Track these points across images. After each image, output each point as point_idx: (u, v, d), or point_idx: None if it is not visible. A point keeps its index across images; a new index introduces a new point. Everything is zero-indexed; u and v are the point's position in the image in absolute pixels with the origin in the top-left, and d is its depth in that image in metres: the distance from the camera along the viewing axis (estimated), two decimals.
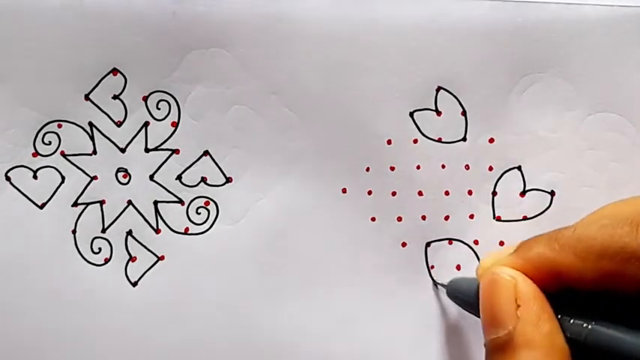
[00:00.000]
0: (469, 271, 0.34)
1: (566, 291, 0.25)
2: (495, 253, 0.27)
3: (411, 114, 0.34)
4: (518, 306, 0.24)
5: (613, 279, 0.23)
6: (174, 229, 0.34)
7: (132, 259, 0.33)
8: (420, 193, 0.34)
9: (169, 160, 0.33)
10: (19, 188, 0.33)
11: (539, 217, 0.34)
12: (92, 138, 0.33)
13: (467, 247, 0.34)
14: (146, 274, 0.33)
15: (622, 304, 0.23)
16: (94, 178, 0.33)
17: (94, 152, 0.33)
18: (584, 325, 0.24)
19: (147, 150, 0.33)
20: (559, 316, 0.24)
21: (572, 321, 0.24)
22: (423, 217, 0.34)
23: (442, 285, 0.33)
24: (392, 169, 0.34)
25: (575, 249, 0.24)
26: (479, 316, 0.27)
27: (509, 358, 0.24)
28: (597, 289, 0.24)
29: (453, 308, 0.34)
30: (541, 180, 0.34)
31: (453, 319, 0.34)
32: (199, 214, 0.34)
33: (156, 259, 0.33)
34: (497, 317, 0.25)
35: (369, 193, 0.34)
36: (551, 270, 0.25)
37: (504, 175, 0.34)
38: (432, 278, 0.33)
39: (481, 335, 0.34)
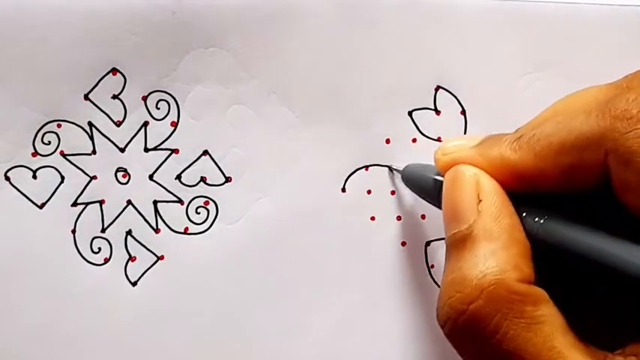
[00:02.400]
0: None
1: (527, 191, 0.25)
2: (457, 143, 0.27)
3: (410, 113, 0.34)
4: (480, 201, 0.24)
5: (572, 173, 0.23)
6: (173, 228, 0.34)
7: (131, 258, 0.33)
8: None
9: (169, 159, 0.33)
10: (19, 188, 0.33)
11: None
12: (91, 138, 0.33)
13: None
14: (146, 274, 0.33)
15: (581, 201, 0.24)
16: (94, 177, 0.33)
17: (94, 152, 0.33)
18: (537, 219, 0.24)
19: (146, 150, 0.33)
20: (524, 215, 0.24)
21: (524, 214, 0.24)
22: (423, 217, 0.34)
23: (397, 170, 0.33)
24: (391, 168, 0.34)
25: (534, 149, 0.24)
26: (433, 204, 0.28)
27: (469, 250, 0.24)
28: (559, 188, 0.24)
29: None
30: None
31: None
32: (199, 213, 0.34)
33: (155, 258, 0.33)
34: (459, 212, 0.25)
35: (369, 192, 0.34)
36: (513, 170, 0.25)
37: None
38: (389, 166, 0.34)
39: None
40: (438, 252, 0.34)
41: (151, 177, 0.33)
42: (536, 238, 0.24)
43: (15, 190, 0.33)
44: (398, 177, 0.33)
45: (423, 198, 0.30)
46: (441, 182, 0.27)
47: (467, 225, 0.24)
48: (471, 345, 0.23)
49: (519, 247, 0.24)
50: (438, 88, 0.34)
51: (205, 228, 0.34)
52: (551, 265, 0.24)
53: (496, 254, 0.23)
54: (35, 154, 0.33)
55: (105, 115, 0.33)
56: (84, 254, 0.33)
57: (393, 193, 0.34)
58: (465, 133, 0.34)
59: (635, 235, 0.22)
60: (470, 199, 0.25)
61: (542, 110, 0.27)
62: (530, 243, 0.24)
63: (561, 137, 0.23)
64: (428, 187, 0.29)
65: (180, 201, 0.34)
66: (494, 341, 0.22)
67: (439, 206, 0.27)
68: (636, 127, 0.22)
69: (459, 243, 0.24)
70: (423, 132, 0.34)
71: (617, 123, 0.22)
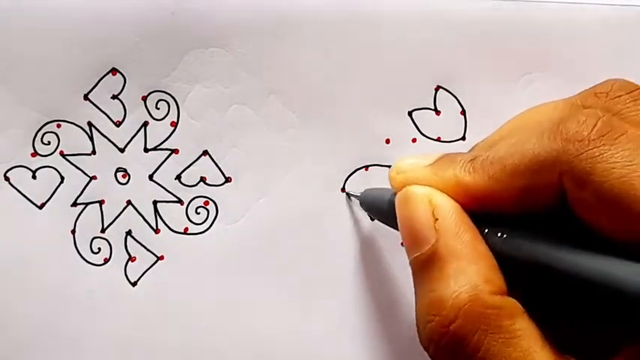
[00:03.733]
0: None
1: (484, 211, 0.25)
2: (411, 162, 0.27)
3: (410, 113, 0.34)
4: (436, 220, 0.24)
5: (528, 194, 0.23)
6: (173, 228, 0.34)
7: (131, 259, 0.33)
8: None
9: (168, 159, 0.33)
10: (18, 188, 0.33)
11: None
12: (91, 138, 0.33)
13: None
14: (146, 274, 0.33)
15: (538, 219, 0.24)
16: (93, 178, 0.33)
17: (93, 152, 0.33)
18: (499, 234, 0.24)
19: (146, 150, 0.33)
20: (485, 231, 0.24)
21: (486, 231, 0.24)
22: None
23: (355, 196, 0.33)
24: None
25: (488, 172, 0.24)
26: (392, 227, 0.27)
27: (437, 271, 0.24)
28: (515, 209, 0.24)
29: None
30: None
31: None
32: (199, 213, 0.34)
33: (155, 258, 0.33)
34: (418, 233, 0.25)
35: None
36: (468, 192, 0.24)
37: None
38: (345, 191, 0.33)
39: None
40: None
41: (150, 177, 0.33)
42: (500, 254, 0.24)
43: (15, 190, 0.33)
44: (355, 203, 0.33)
45: (382, 222, 0.30)
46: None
47: (428, 246, 0.24)
48: None
49: (486, 260, 0.23)
50: (438, 88, 0.34)
51: (205, 228, 0.34)
52: (519, 280, 0.24)
53: (465, 270, 0.23)
54: (35, 154, 0.33)
55: (105, 115, 0.33)
56: (84, 254, 0.33)
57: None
58: (464, 133, 0.34)
59: (596, 246, 0.22)
60: (426, 219, 0.24)
61: (499, 127, 0.27)
62: (495, 258, 0.24)
63: (514, 160, 0.23)
64: (384, 209, 0.28)
65: (180, 201, 0.34)
66: (477, 359, 0.22)
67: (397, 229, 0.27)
68: (587, 148, 0.22)
69: (424, 265, 0.24)
70: (423, 132, 0.34)
71: (569, 145, 0.22)
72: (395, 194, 0.27)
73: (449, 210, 0.24)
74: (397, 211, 0.26)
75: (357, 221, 0.34)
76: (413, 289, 0.34)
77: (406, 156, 0.27)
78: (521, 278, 0.24)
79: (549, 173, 0.22)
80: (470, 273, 0.23)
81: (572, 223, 0.23)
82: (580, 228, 0.22)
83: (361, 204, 0.32)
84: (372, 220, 0.34)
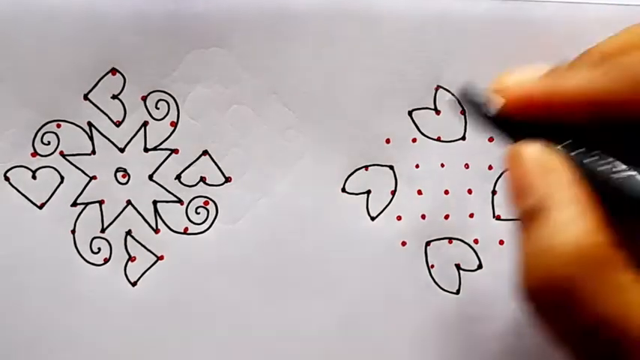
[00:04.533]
0: (469, 270, 0.34)
1: (606, 126, 0.23)
2: (520, 76, 0.25)
3: (410, 113, 0.34)
4: (548, 173, 0.24)
5: None
6: (173, 228, 0.34)
7: (131, 259, 0.33)
8: (420, 192, 0.34)
9: (168, 159, 0.33)
10: (18, 188, 0.33)
11: None
12: (91, 138, 0.33)
13: (467, 246, 0.34)
14: (145, 274, 0.33)
15: None
16: (93, 177, 0.33)
17: (93, 152, 0.33)
18: (610, 168, 0.23)
19: (146, 150, 0.33)
20: (584, 162, 0.24)
21: (597, 167, 0.23)
22: (423, 216, 0.34)
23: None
24: (391, 168, 0.34)
25: (625, 78, 0.22)
26: (487, 128, 0.26)
27: (548, 219, 0.23)
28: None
29: (453, 308, 0.34)
30: None
31: (453, 319, 0.34)
32: (198, 213, 0.34)
33: (155, 258, 0.33)
34: (527, 186, 0.24)
35: (368, 192, 0.34)
36: (592, 104, 0.23)
37: (504, 174, 0.34)
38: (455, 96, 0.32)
39: (480, 336, 0.34)
40: (439, 252, 0.34)
41: (150, 177, 0.33)
42: (620, 192, 0.23)
43: (14, 190, 0.33)
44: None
45: (480, 120, 0.27)
46: (502, 119, 0.25)
47: (538, 197, 0.24)
48: (562, 317, 0.23)
49: (595, 211, 0.23)
50: (438, 87, 0.34)
51: (205, 228, 0.34)
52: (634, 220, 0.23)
53: (575, 221, 0.23)
54: (35, 154, 0.33)
55: (104, 115, 0.33)
56: (84, 254, 0.33)
57: (392, 193, 0.34)
58: (464, 133, 0.34)
59: None
60: (538, 173, 0.24)
61: (617, 34, 0.25)
62: (605, 196, 0.23)
63: None
64: (486, 118, 0.26)
65: (180, 201, 0.34)
66: (587, 309, 0.22)
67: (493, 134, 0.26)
68: None
69: (533, 216, 0.24)
70: (423, 132, 0.34)
71: None
72: (496, 109, 0.25)
73: (559, 164, 0.24)
74: (507, 165, 0.25)
75: (357, 221, 0.34)
76: (413, 289, 0.34)
77: (508, 72, 0.26)
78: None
79: None
80: (579, 224, 0.23)
81: None
82: None
83: (462, 97, 0.28)
84: (373, 218, 0.34)
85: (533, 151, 0.25)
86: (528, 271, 0.23)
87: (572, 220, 0.23)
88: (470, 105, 0.27)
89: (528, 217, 0.24)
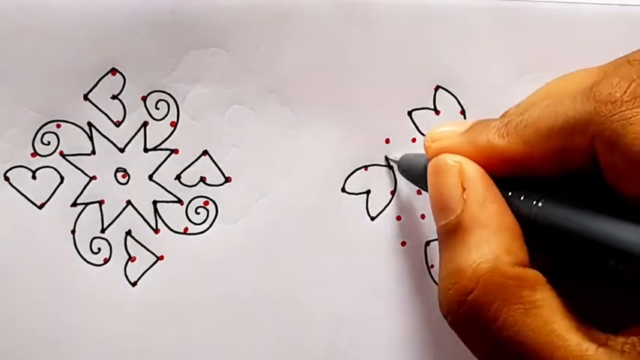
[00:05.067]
0: None
1: (518, 176, 0.25)
2: (445, 129, 0.27)
3: (410, 113, 0.34)
4: (464, 190, 0.24)
5: (561, 157, 0.23)
6: (173, 228, 0.34)
7: (131, 259, 0.33)
8: (420, 193, 0.34)
9: (168, 159, 0.33)
10: (18, 188, 0.33)
11: None
12: (91, 138, 0.33)
13: None
14: (145, 274, 0.33)
15: (571, 184, 0.24)
16: (93, 178, 0.33)
17: (93, 152, 0.33)
18: (534, 202, 0.24)
19: (146, 150, 0.33)
20: (509, 194, 0.24)
21: (522, 198, 0.24)
22: (422, 217, 0.34)
23: (394, 161, 0.33)
24: (391, 168, 0.34)
25: (522, 135, 0.24)
26: (427, 191, 0.27)
27: (460, 240, 0.24)
28: (548, 172, 0.24)
29: None
30: None
31: None
32: (198, 213, 0.34)
33: (155, 259, 0.33)
34: (445, 202, 0.25)
35: (368, 192, 0.34)
36: (502, 157, 0.25)
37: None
38: (386, 157, 0.34)
39: None
40: (438, 252, 0.34)
41: (150, 177, 0.33)
42: (534, 222, 0.24)
43: (14, 190, 0.33)
44: (394, 169, 0.33)
45: (420, 187, 0.30)
46: None
47: (454, 215, 0.24)
48: (474, 333, 0.23)
49: (510, 231, 0.24)
50: (437, 88, 0.34)
51: (205, 228, 0.34)
52: (547, 249, 0.24)
53: (488, 241, 0.23)
54: (35, 154, 0.33)
55: (104, 116, 0.33)
56: (84, 254, 0.33)
57: (392, 192, 0.34)
58: None
59: (628, 212, 0.22)
60: (454, 189, 0.25)
61: (531, 93, 0.27)
62: (527, 227, 0.24)
63: (548, 122, 0.23)
64: (420, 175, 0.29)
65: (180, 201, 0.34)
66: (494, 328, 0.22)
67: None
68: (620, 109, 0.22)
69: (449, 234, 0.24)
70: (423, 132, 0.34)
71: (602, 107, 0.22)
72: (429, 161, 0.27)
73: (477, 180, 0.24)
74: (428, 179, 0.26)
75: (357, 221, 0.34)
76: (413, 289, 0.34)
77: (440, 123, 0.27)
78: (549, 246, 0.24)
79: (582, 135, 0.22)
80: (492, 244, 0.23)
81: (603, 189, 0.23)
82: (611, 194, 0.22)
83: (399, 168, 0.32)
84: (373, 218, 0.34)
85: (452, 166, 0.25)
86: (443, 291, 0.24)
87: (485, 240, 0.23)
88: (406, 172, 0.31)
89: (446, 234, 0.24)
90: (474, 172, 0.25)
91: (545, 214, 0.24)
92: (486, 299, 0.22)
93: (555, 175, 0.24)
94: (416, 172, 0.30)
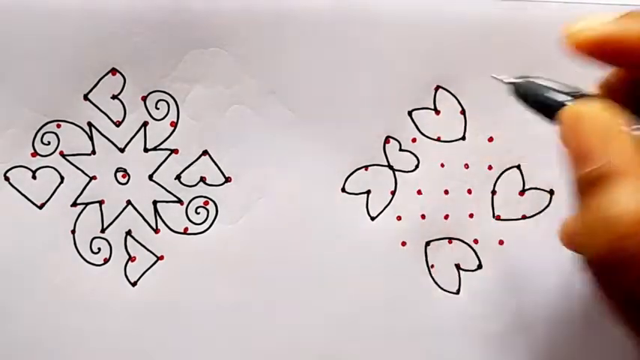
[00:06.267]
0: (469, 270, 0.34)
1: None
2: (592, 19, 0.25)
3: (410, 113, 0.34)
4: (612, 137, 0.23)
5: None
6: (173, 228, 0.34)
7: (131, 259, 0.33)
8: (420, 192, 0.34)
9: (168, 159, 0.33)
10: (18, 188, 0.33)
11: (538, 215, 0.34)
12: (91, 138, 0.33)
13: (466, 245, 0.34)
14: (145, 274, 0.33)
15: None
16: (93, 178, 0.33)
17: (93, 152, 0.33)
18: None
19: (146, 150, 0.33)
20: None
21: None
22: (423, 216, 0.34)
23: (508, 82, 0.29)
24: (391, 168, 0.34)
25: None
26: (549, 121, 0.26)
27: (611, 188, 0.23)
28: None
29: (453, 308, 0.34)
30: (540, 179, 0.34)
31: (453, 319, 0.34)
32: (198, 213, 0.34)
33: (155, 258, 0.33)
34: (590, 149, 0.24)
35: (368, 192, 0.34)
36: None
37: (504, 174, 0.34)
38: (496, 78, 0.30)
39: (481, 336, 0.34)
40: (438, 252, 0.34)
41: (150, 177, 0.33)
42: None
43: (14, 190, 0.33)
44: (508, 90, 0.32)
45: (538, 114, 0.28)
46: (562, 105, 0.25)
47: (601, 162, 0.23)
48: (623, 284, 0.22)
49: None
50: (437, 87, 0.34)
51: (205, 228, 0.34)
52: None
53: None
54: (35, 154, 0.33)
55: (104, 116, 0.33)
56: (83, 254, 0.33)
57: (392, 192, 0.34)
58: (464, 132, 0.34)
59: None
60: (602, 136, 0.24)
61: None
62: None
63: None
64: (550, 105, 0.26)
65: (180, 201, 0.34)
66: None
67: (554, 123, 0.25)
68: None
69: (596, 181, 0.23)
70: (423, 132, 0.34)
71: None
72: (560, 89, 0.26)
73: (623, 132, 0.23)
74: (564, 127, 0.25)
75: (357, 221, 0.34)
76: (413, 289, 0.34)
77: (582, 17, 0.26)
78: None
79: None
80: None
81: None
82: None
83: (516, 92, 0.28)
84: (373, 218, 0.34)
85: (594, 113, 0.24)
86: (590, 239, 0.23)
87: (635, 191, 0.22)
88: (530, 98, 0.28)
89: (588, 183, 0.23)
90: (616, 118, 0.24)
91: None
92: None
93: None
94: (547, 102, 0.27)
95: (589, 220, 0.23)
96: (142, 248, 0.33)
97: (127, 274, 0.33)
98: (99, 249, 0.33)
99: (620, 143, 0.23)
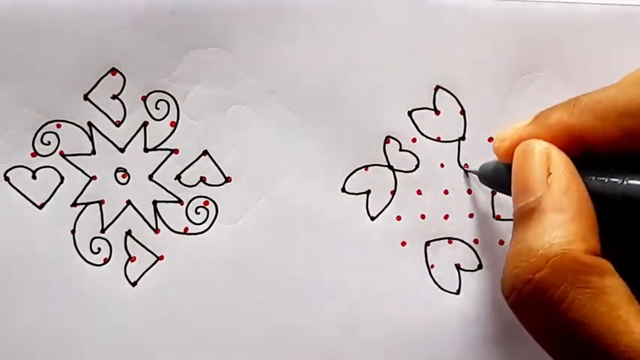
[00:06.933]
0: (469, 270, 0.34)
1: (586, 155, 0.25)
2: (510, 128, 0.28)
3: (410, 113, 0.34)
4: (549, 174, 0.25)
5: (635, 137, 0.24)
6: (173, 228, 0.34)
7: (131, 259, 0.33)
8: (419, 192, 0.34)
9: (168, 159, 0.33)
10: (18, 188, 0.33)
11: None
12: (91, 138, 0.33)
13: (466, 245, 0.34)
14: (145, 274, 0.33)
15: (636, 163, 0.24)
16: (93, 178, 0.33)
17: (93, 152, 0.33)
18: (620, 181, 0.24)
19: (146, 150, 0.33)
20: (592, 178, 0.25)
21: (607, 180, 0.24)
22: (423, 217, 0.34)
23: (473, 172, 0.33)
24: (391, 168, 0.34)
25: (594, 111, 0.24)
26: (507, 193, 0.28)
27: (536, 222, 0.24)
28: (618, 150, 0.24)
29: (453, 308, 0.34)
30: None
31: (453, 319, 0.34)
32: (198, 213, 0.34)
33: (155, 259, 0.33)
34: (528, 184, 0.25)
35: (368, 192, 0.34)
36: (572, 135, 0.25)
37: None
38: (463, 168, 0.34)
39: (481, 336, 0.34)
40: (438, 252, 0.34)
41: (150, 177, 0.33)
42: (620, 200, 0.24)
43: (14, 190, 0.33)
44: (473, 178, 0.33)
45: (501, 192, 0.30)
46: (509, 167, 0.27)
47: (534, 198, 0.25)
48: (536, 315, 0.23)
49: (587, 219, 0.24)
50: (437, 87, 0.34)
51: (205, 228, 0.34)
52: (625, 230, 0.24)
53: (564, 226, 0.23)
54: (35, 154, 0.33)
55: (104, 115, 0.33)
56: (83, 254, 0.33)
57: (392, 192, 0.34)
58: (464, 132, 0.34)
59: None
60: (540, 172, 0.25)
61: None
62: (602, 209, 0.24)
63: (625, 100, 0.24)
64: (503, 178, 0.29)
65: (180, 201, 0.34)
66: (559, 310, 0.22)
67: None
68: None
69: (526, 215, 0.25)
70: (423, 132, 0.34)
71: None
72: (503, 163, 0.28)
73: (563, 166, 0.25)
74: (514, 163, 0.27)
75: (357, 221, 0.34)
76: (413, 289, 0.34)
77: (505, 127, 0.28)
78: (629, 226, 0.24)
79: None
80: (568, 229, 0.23)
81: None
82: None
83: (480, 178, 0.32)
84: (373, 218, 0.34)
85: (540, 150, 0.26)
86: (509, 269, 0.24)
87: (561, 225, 0.23)
88: (488, 181, 0.31)
89: (522, 215, 0.25)
90: (560, 158, 0.25)
91: (633, 191, 0.24)
92: (554, 279, 0.23)
93: (626, 151, 0.24)
94: (496, 176, 0.30)
95: (514, 251, 0.24)
96: (142, 248, 0.33)
97: (127, 274, 0.33)
98: (99, 249, 0.33)
99: (557, 179, 0.25)
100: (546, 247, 0.23)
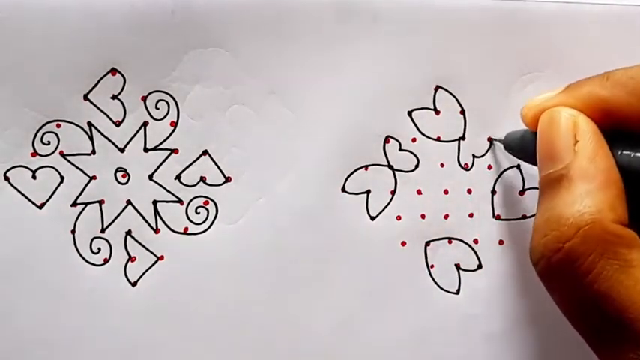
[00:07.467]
0: (469, 270, 0.34)
1: (615, 127, 0.25)
2: (541, 96, 0.28)
3: (410, 113, 0.34)
4: (576, 142, 0.25)
5: None
6: (173, 228, 0.34)
7: (131, 259, 0.33)
8: (419, 192, 0.34)
9: (168, 159, 0.33)
10: (18, 188, 0.33)
11: None
12: (91, 138, 0.33)
13: (466, 245, 0.34)
14: (145, 274, 0.33)
15: None
16: (93, 178, 0.33)
17: (93, 152, 0.33)
18: (635, 154, 0.24)
19: (146, 150, 0.33)
20: (619, 152, 0.25)
21: (633, 155, 0.24)
22: (423, 216, 0.34)
23: (499, 141, 0.33)
24: (391, 168, 0.34)
25: (627, 86, 0.24)
26: (532, 163, 0.28)
27: (565, 189, 0.24)
28: None
29: (453, 308, 0.34)
30: None
31: (453, 319, 0.34)
32: (198, 213, 0.34)
33: (155, 259, 0.33)
34: (555, 152, 0.25)
35: (368, 192, 0.34)
36: (603, 108, 0.25)
37: (503, 174, 0.34)
38: (490, 138, 0.34)
39: (480, 336, 0.34)
40: (438, 252, 0.34)
41: (150, 177, 0.33)
42: (633, 172, 0.24)
43: (14, 190, 0.33)
44: (498, 147, 0.33)
45: (526, 161, 0.30)
46: (535, 136, 0.27)
47: (563, 165, 0.24)
48: (563, 284, 0.23)
49: (615, 188, 0.24)
50: (437, 87, 0.34)
51: (205, 228, 0.34)
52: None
53: (592, 194, 0.23)
54: (35, 154, 0.33)
55: (104, 115, 0.33)
56: (83, 254, 0.33)
57: (392, 192, 0.34)
58: (464, 132, 0.34)
59: None
60: (566, 140, 0.25)
61: None
62: (632, 185, 0.24)
63: None
64: (528, 147, 0.28)
65: (180, 201, 0.34)
66: (587, 280, 0.22)
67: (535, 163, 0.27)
68: None
69: (554, 183, 0.24)
70: (423, 132, 0.34)
71: None
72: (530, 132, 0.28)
73: (591, 134, 0.25)
74: (539, 131, 0.27)
75: (357, 221, 0.34)
76: (413, 289, 0.34)
77: (532, 98, 0.28)
78: None
79: None
80: (597, 197, 0.23)
81: None
82: None
83: (505, 147, 0.32)
84: (373, 218, 0.34)
85: (565, 119, 0.25)
86: (538, 238, 0.24)
87: (589, 193, 0.23)
88: (513, 150, 0.31)
89: (549, 183, 0.24)
90: (587, 125, 0.25)
91: None
92: (584, 249, 0.22)
93: None
94: (523, 145, 0.29)
95: (542, 219, 0.24)
96: (142, 248, 0.33)
97: (127, 274, 0.33)
98: (99, 249, 0.33)
99: (585, 148, 0.25)
100: (577, 216, 0.23)
